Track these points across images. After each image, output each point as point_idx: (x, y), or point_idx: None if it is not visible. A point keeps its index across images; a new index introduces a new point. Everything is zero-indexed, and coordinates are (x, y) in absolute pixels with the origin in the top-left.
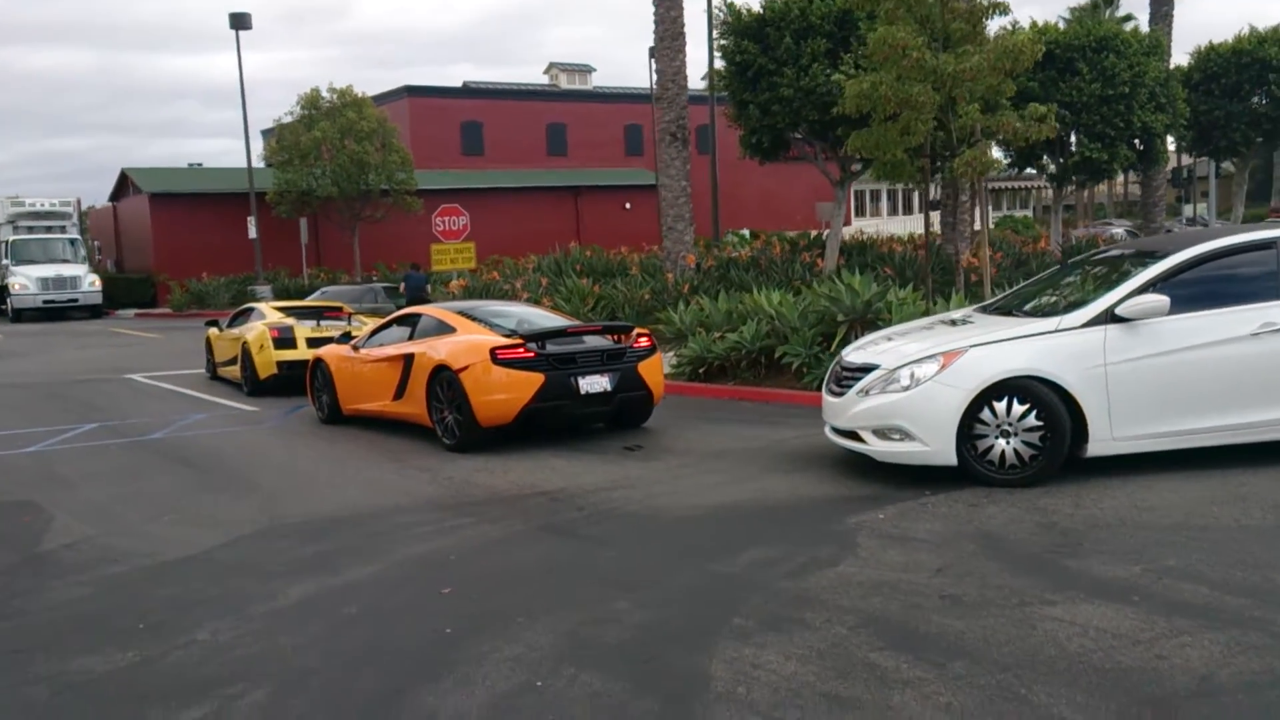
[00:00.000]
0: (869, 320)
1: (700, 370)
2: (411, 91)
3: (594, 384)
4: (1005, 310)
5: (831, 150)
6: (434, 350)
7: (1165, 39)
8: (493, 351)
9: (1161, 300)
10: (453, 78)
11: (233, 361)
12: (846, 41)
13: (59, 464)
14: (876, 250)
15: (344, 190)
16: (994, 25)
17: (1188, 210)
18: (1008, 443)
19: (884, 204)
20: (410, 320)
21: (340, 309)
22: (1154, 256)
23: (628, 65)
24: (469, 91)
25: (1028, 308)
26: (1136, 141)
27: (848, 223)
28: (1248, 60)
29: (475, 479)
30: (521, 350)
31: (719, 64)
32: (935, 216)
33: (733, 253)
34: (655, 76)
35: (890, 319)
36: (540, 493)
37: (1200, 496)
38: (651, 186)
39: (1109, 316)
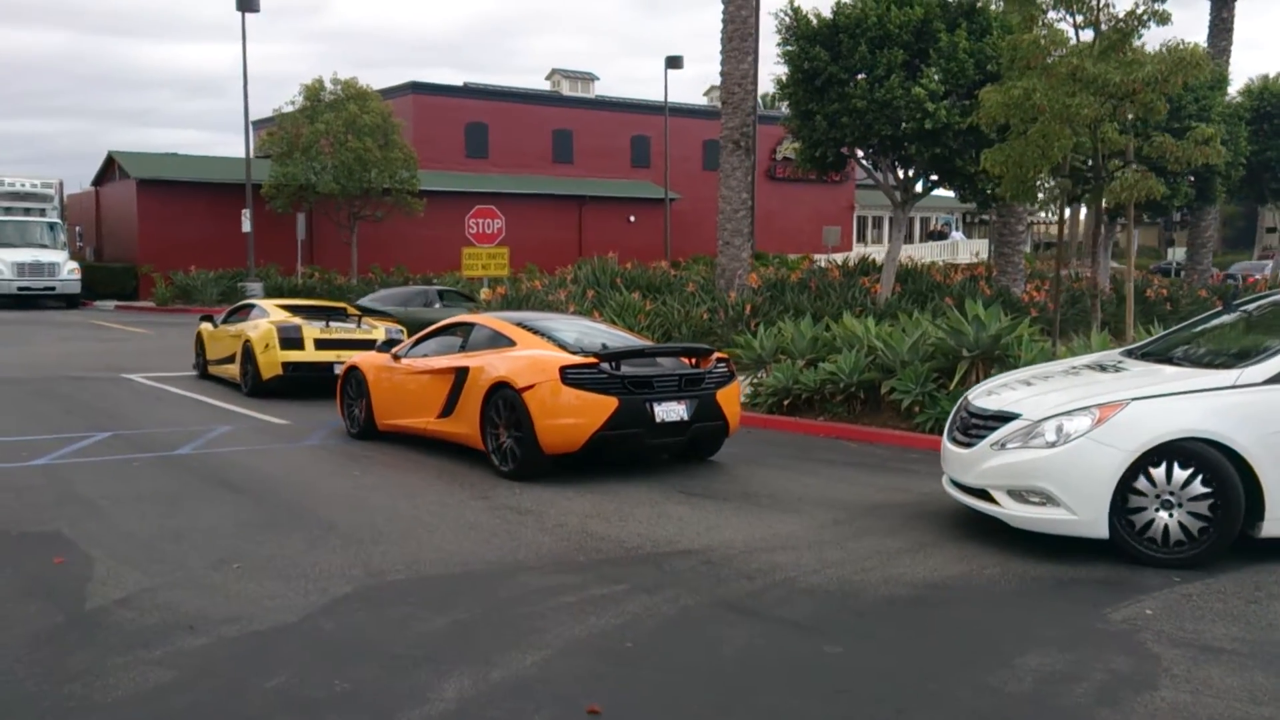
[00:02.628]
0: (995, 357)
1: (784, 403)
2: (417, 88)
3: (670, 411)
4: (1163, 357)
5: (900, 167)
6: (492, 365)
7: (1226, 70)
8: (563, 370)
9: None
10: (445, 80)
11: (229, 359)
12: (925, 53)
13: (79, 483)
14: (931, 278)
15: (345, 187)
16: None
17: (1171, 254)
18: (1170, 515)
19: (885, 230)
20: (461, 329)
21: (346, 309)
22: None
23: (619, 77)
24: (475, 92)
25: (1191, 355)
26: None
27: (849, 248)
28: None
29: (592, 528)
30: (595, 370)
31: (781, 70)
32: (964, 244)
33: (777, 273)
34: (720, 79)
35: (1021, 356)
36: (682, 551)
37: None
38: (658, 200)
39: None
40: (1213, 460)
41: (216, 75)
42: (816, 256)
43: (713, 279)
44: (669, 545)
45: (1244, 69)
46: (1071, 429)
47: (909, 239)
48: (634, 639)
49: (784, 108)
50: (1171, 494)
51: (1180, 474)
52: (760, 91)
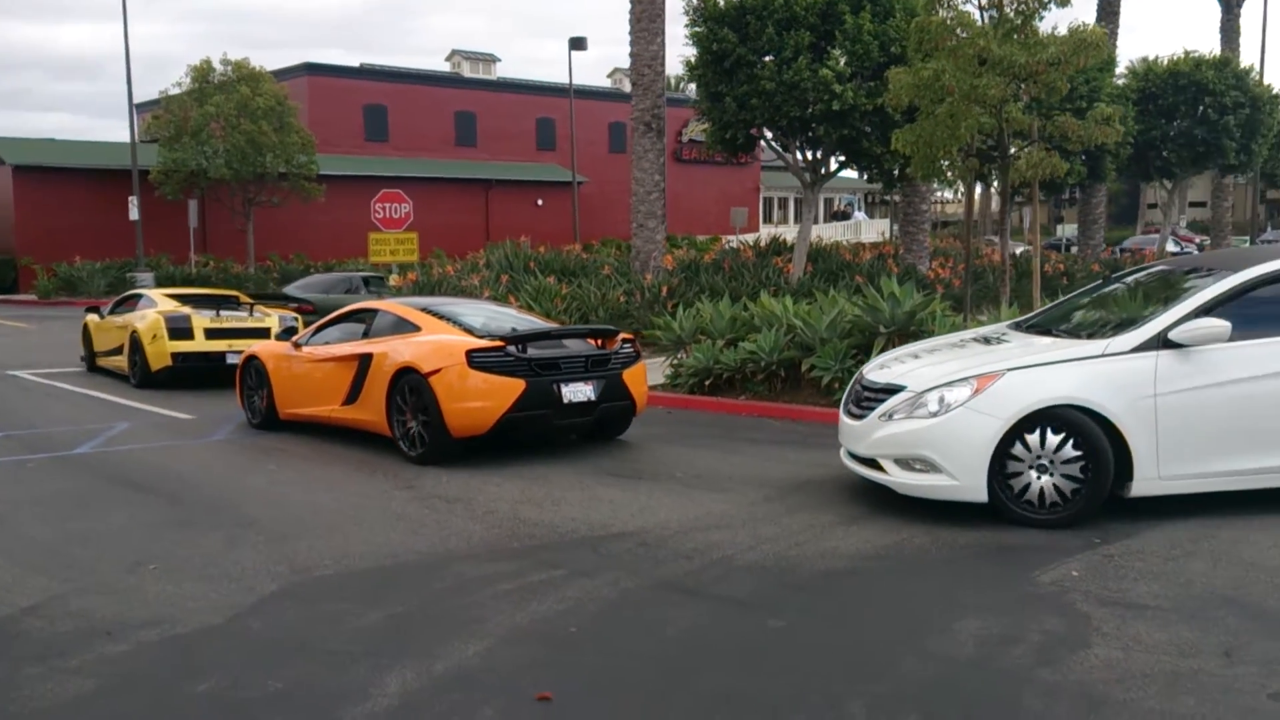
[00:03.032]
0: (911, 333)
1: (706, 383)
2: (311, 69)
3: (577, 392)
4: (1044, 329)
5: (808, 148)
6: (397, 351)
7: (1113, 53)
8: (470, 353)
9: (1222, 326)
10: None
11: (117, 351)
12: (831, 35)
13: None
14: (840, 257)
15: (238, 172)
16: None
17: (1061, 230)
18: (1045, 478)
19: (790, 211)
20: (364, 316)
21: (238, 297)
22: (1211, 275)
23: (521, 58)
24: (372, 73)
25: (1068, 327)
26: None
27: (756, 229)
28: (1185, 82)
29: (524, 514)
30: (501, 353)
31: (689, 52)
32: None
33: (689, 255)
34: (630, 61)
35: (934, 331)
36: (617, 534)
37: None
38: (565, 183)
39: (1161, 341)
40: (1083, 425)
41: (90, 56)
42: (726, 238)
43: (627, 262)
44: (603, 528)
45: (1124, 52)
46: (952, 399)
47: (815, 219)
48: (577, 624)
49: (691, 89)
50: (1046, 458)
51: (1054, 439)
52: (669, 73)
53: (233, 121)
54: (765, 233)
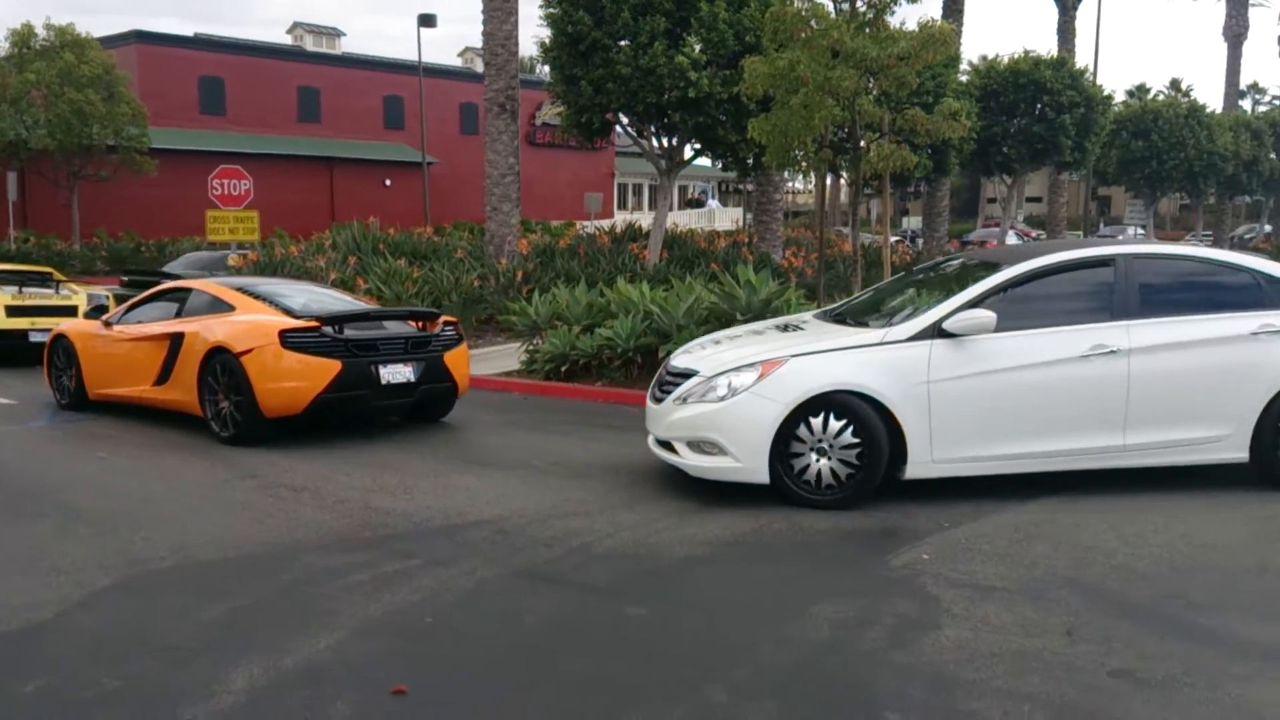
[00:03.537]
0: (767, 320)
1: (562, 369)
2: (141, 38)
3: (396, 373)
4: (842, 317)
5: (664, 135)
6: (210, 330)
7: (958, 50)
8: (283, 334)
9: (988, 316)
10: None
11: None
12: (686, 22)
13: None
14: (695, 245)
15: (62, 143)
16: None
17: (906, 222)
18: (822, 462)
19: (645, 197)
20: (178, 295)
21: (50, 274)
22: (989, 269)
23: (367, 34)
24: (208, 44)
25: (863, 316)
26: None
27: (611, 215)
28: (1024, 81)
29: (376, 503)
30: (317, 334)
31: (544, 33)
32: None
33: (544, 240)
34: (483, 40)
35: None
36: (474, 522)
37: (1250, 534)
38: (415, 164)
39: (936, 331)
40: (860, 410)
41: None
42: (581, 223)
43: (481, 245)
44: (459, 517)
45: (967, 50)
46: (738, 384)
47: (670, 206)
48: (433, 614)
49: (546, 72)
50: (825, 441)
51: (832, 424)
52: (522, 54)
53: (56, 90)
54: (621, 219)
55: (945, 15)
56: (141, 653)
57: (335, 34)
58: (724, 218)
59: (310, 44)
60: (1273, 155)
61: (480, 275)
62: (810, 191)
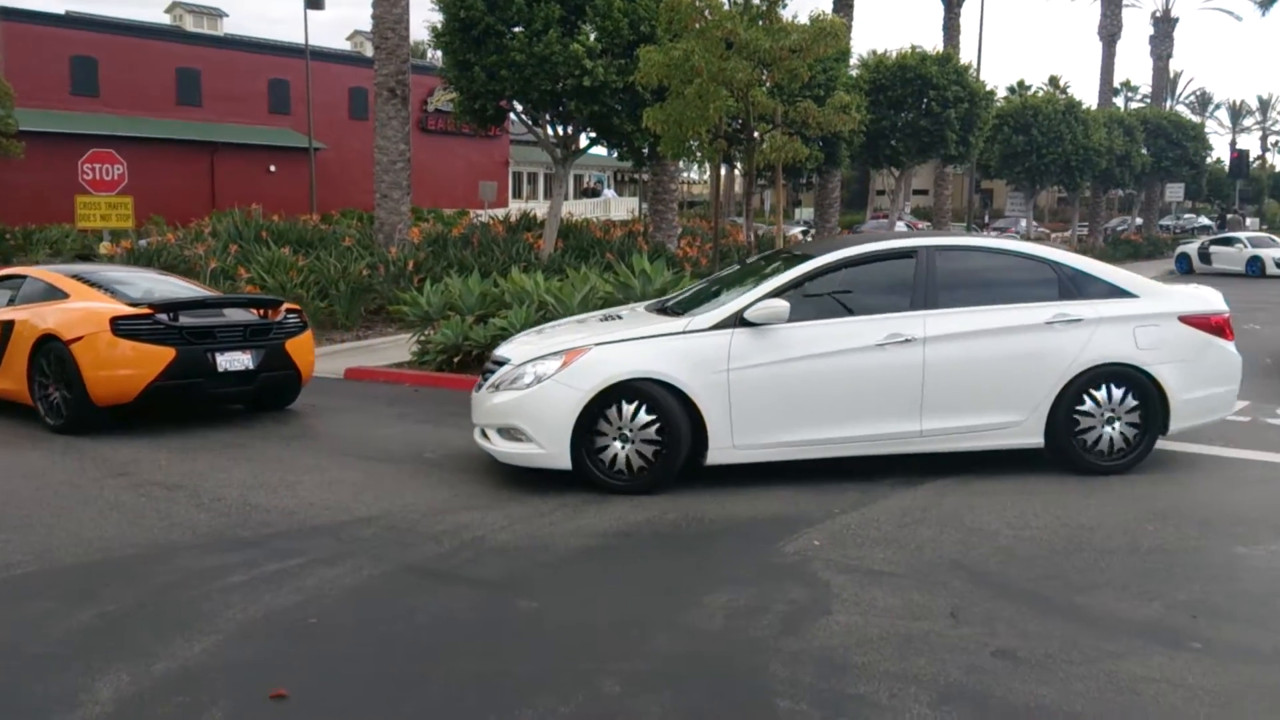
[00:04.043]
0: (599, 310)
1: (455, 360)
2: (7, 15)
3: (234, 361)
4: (666, 307)
5: (559, 123)
6: (41, 317)
7: (848, 44)
8: (114, 320)
9: (782, 306)
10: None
11: None
12: (582, 10)
13: None
14: (591, 234)
15: None
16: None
17: (799, 213)
18: (625, 448)
19: (541, 186)
20: (10, 283)
21: None
22: (801, 260)
23: (251, 15)
24: (80, 22)
25: (680, 306)
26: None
27: (506, 204)
28: (911, 76)
29: (257, 500)
30: (150, 321)
31: (436, 18)
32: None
33: (436, 228)
34: (372, 24)
35: None
36: (361, 519)
37: (1132, 512)
38: (301, 150)
39: (738, 320)
40: (660, 398)
41: None
42: (475, 212)
43: (370, 234)
44: (346, 513)
45: (857, 45)
46: (542, 372)
47: (565, 196)
48: (317, 615)
49: (439, 57)
50: (627, 428)
51: (633, 411)
52: (413, 39)
53: None
54: (515, 208)
55: (836, 10)
56: (1, 663)
57: (217, 14)
58: (620, 207)
59: (190, 24)
60: (1143, 150)
61: (369, 264)
62: (705, 182)
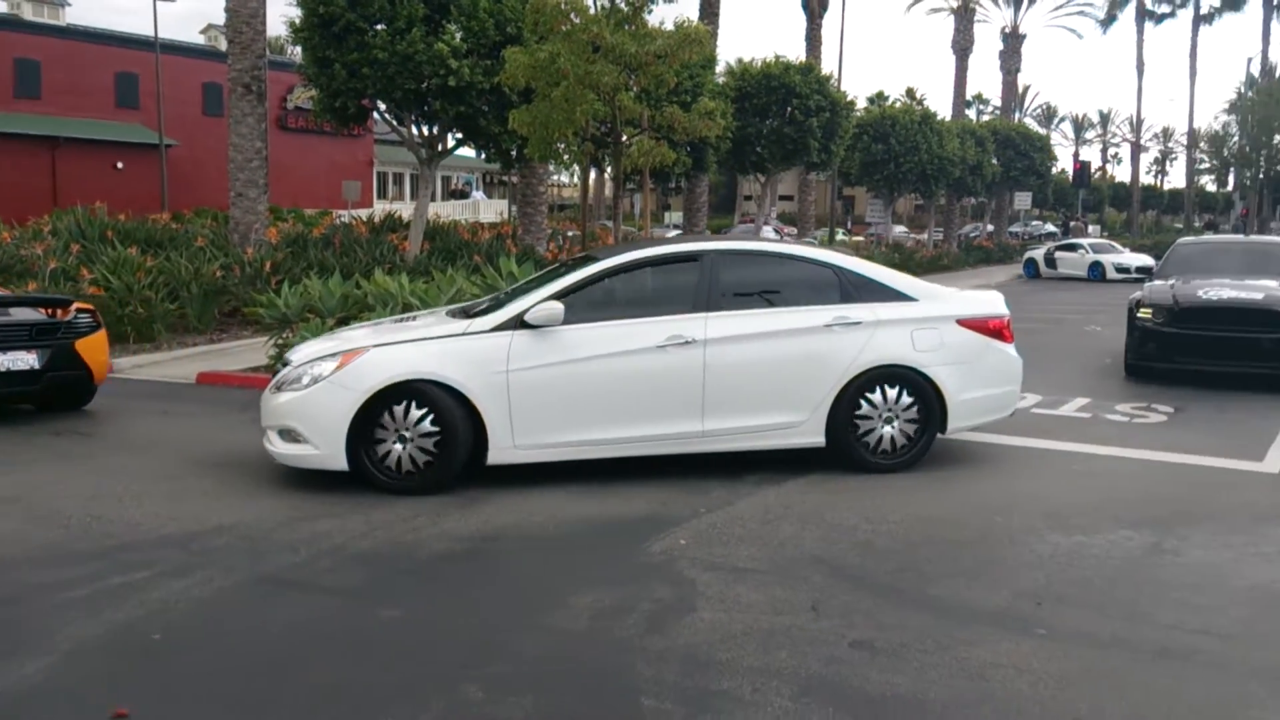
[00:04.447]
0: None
1: None
2: None
3: (18, 361)
4: (468, 311)
5: (424, 123)
6: None
7: (714, 51)
8: None
9: (557, 308)
10: None
11: None
12: (446, 9)
13: None
14: (458, 236)
15: None
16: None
17: (668, 217)
18: (404, 449)
19: (407, 187)
20: None
21: None
22: (588, 263)
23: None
24: None
25: (472, 309)
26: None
27: (370, 204)
28: (775, 84)
29: (99, 511)
30: None
31: (294, 13)
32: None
33: (296, 228)
34: (226, 17)
35: None
36: (214, 528)
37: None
38: (151, 146)
39: (518, 323)
40: (438, 399)
41: None
42: (338, 212)
43: (225, 234)
44: (196, 523)
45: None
46: (318, 373)
47: (433, 197)
48: (163, 630)
49: (298, 53)
50: (405, 429)
51: (413, 412)
52: (271, 34)
53: None
54: (380, 208)
55: (701, 17)
56: None
57: (59, 3)
58: (489, 210)
59: (29, 12)
60: (994, 160)
61: (224, 265)
62: (576, 185)
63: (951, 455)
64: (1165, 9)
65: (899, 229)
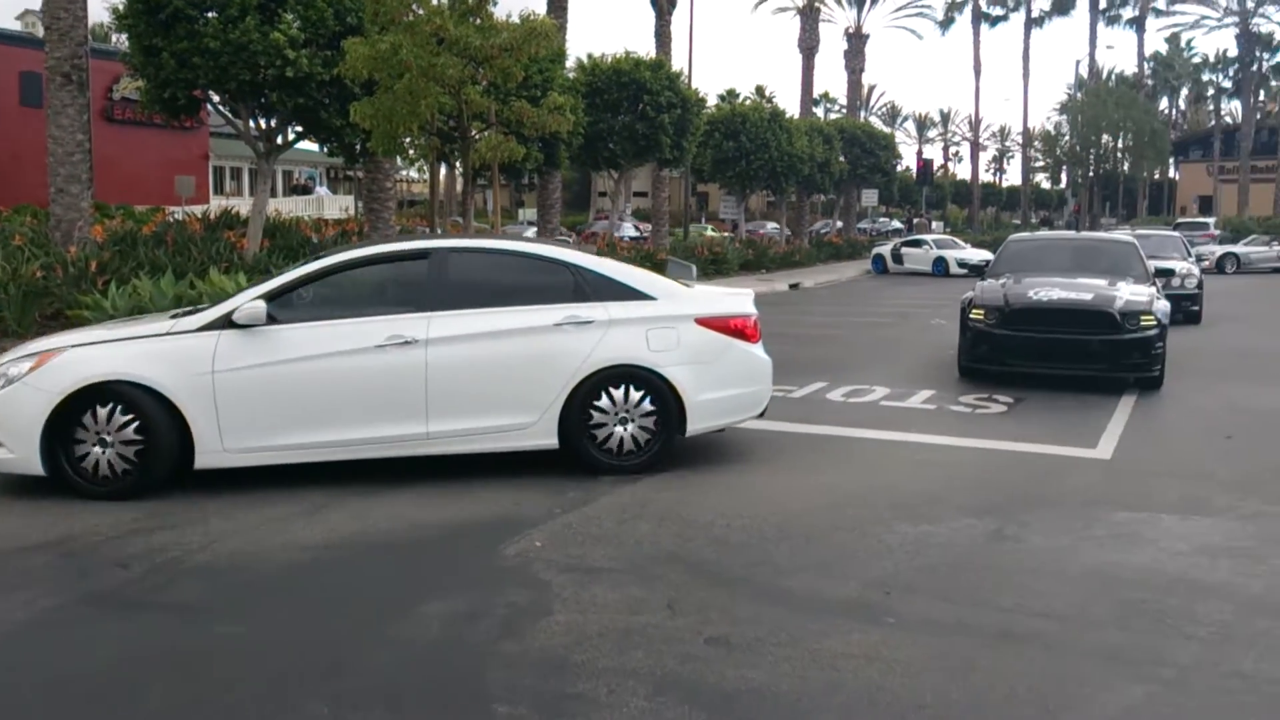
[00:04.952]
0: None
1: None
2: None
3: None
4: (193, 308)
5: (262, 116)
6: None
7: (564, 46)
8: None
9: (259, 308)
10: None
11: None
12: None
13: None
14: (301, 233)
15: None
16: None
17: (522, 214)
18: (105, 452)
19: (245, 182)
20: None
21: None
22: (311, 260)
23: None
24: None
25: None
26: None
27: (207, 200)
28: (626, 80)
29: None
30: None
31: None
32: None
33: (125, 226)
34: (42, 2)
35: None
36: (33, 546)
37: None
38: None
39: (226, 322)
40: (140, 401)
41: None
42: (171, 209)
43: (45, 231)
44: (13, 540)
45: (577, 46)
46: (13, 374)
47: (273, 192)
48: None
49: (124, 41)
50: (106, 432)
51: (110, 414)
52: (94, 20)
53: None
54: (217, 204)
55: (550, 11)
56: None
57: None
58: (334, 206)
59: None
60: (841, 158)
61: (45, 265)
62: (425, 180)
63: (803, 448)
64: (999, 11)
65: (771, 226)
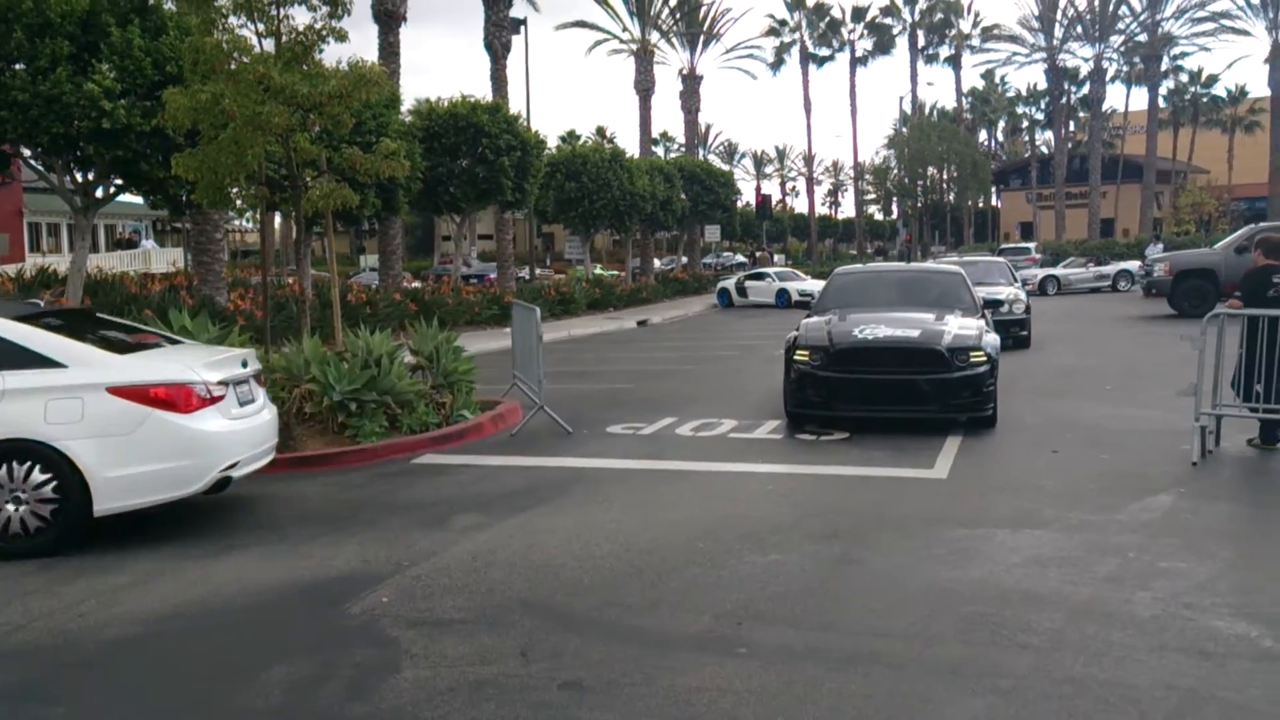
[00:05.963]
0: None
1: None
2: None
3: None
4: None
5: (78, 169)
6: None
7: (398, 91)
8: None
9: None
10: None
11: None
12: (96, 47)
13: None
14: (126, 289)
15: None
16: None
17: (364, 260)
18: None
19: (64, 238)
20: None
21: None
22: None
23: None
24: None
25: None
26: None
27: (22, 259)
28: (464, 124)
29: None
30: None
31: None
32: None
33: None
34: None
35: None
36: None
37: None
38: None
39: None
40: None
41: None
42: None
43: None
44: None
45: (413, 91)
46: None
47: (95, 248)
48: None
49: None
50: None
51: None
52: None
53: None
54: (32, 263)
55: (382, 57)
56: None
57: None
58: (161, 259)
59: None
60: (683, 196)
61: None
62: (259, 231)
63: (655, 484)
64: (825, 52)
65: (636, 263)
